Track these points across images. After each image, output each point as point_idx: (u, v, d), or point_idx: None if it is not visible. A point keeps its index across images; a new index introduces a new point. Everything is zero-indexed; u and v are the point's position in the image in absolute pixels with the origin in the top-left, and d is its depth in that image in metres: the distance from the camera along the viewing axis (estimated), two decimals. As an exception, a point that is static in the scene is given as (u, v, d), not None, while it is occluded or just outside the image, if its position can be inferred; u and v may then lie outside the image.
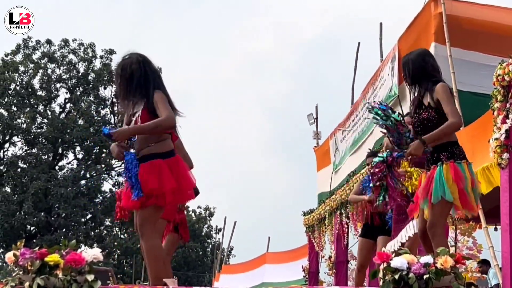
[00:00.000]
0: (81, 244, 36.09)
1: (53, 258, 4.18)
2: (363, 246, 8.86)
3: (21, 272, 4.21)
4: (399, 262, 4.49)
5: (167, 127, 5.33)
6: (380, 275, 4.58)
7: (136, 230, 5.48)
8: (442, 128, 5.60)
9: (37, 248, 4.27)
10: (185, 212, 8.49)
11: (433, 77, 5.82)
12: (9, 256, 4.26)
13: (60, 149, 37.86)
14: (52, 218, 34.77)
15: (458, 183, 5.53)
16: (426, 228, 5.66)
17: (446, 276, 4.51)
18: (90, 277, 4.19)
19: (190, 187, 5.52)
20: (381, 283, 4.56)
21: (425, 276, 4.46)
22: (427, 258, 4.54)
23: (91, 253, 4.29)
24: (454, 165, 5.59)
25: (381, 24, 14.96)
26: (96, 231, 37.66)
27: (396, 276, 4.45)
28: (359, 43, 16.66)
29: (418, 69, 5.88)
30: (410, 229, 7.68)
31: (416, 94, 5.94)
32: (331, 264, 13.81)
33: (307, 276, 16.41)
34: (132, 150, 5.43)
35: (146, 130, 5.32)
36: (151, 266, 5.35)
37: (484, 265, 12.09)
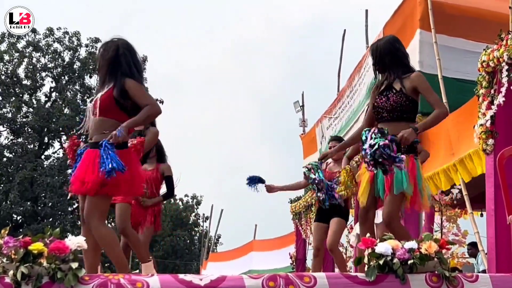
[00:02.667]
0: (68, 234, 36.01)
1: (37, 246, 4.16)
2: (316, 230, 8.97)
3: (4, 260, 4.19)
4: (383, 247, 4.52)
5: (156, 115, 5.38)
6: (365, 260, 4.60)
7: (82, 218, 5.44)
8: (433, 118, 5.65)
9: (21, 237, 4.25)
10: (167, 202, 8.54)
11: (403, 63, 5.88)
12: (-7, 244, 4.24)
13: (46, 138, 37.69)
14: (39, 208, 34.65)
15: (413, 178, 5.58)
16: (382, 217, 5.67)
17: (431, 261, 4.54)
18: (75, 265, 4.18)
19: (142, 178, 5.51)
20: (366, 268, 4.58)
21: (409, 262, 4.49)
22: (412, 244, 4.57)
23: (75, 241, 4.27)
24: (413, 159, 5.64)
25: (366, 11, 14.96)
26: (83, 220, 37.58)
27: (381, 262, 4.48)
28: (345, 30, 16.66)
29: (388, 55, 5.90)
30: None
31: (384, 79, 5.94)
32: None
33: (294, 264, 16.46)
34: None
35: (140, 121, 5.35)
36: (109, 254, 5.34)
37: (474, 247, 12.12)
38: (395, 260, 4.48)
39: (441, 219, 11.29)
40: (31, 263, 4.15)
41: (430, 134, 8.68)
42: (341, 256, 9.36)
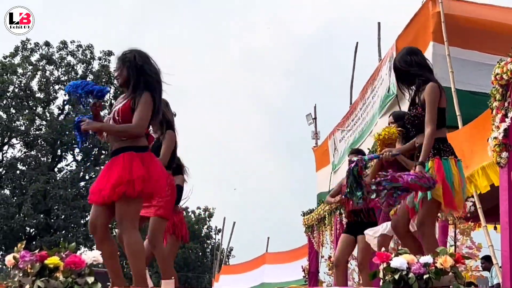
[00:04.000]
0: (81, 246, 36.08)
1: (53, 260, 4.18)
2: (341, 240, 8.96)
3: (21, 275, 4.21)
4: (398, 262, 4.50)
5: (133, 135, 5.40)
6: (380, 275, 4.59)
7: (93, 229, 5.46)
8: (427, 142, 5.57)
9: (37, 251, 4.27)
10: (184, 213, 8.51)
11: (419, 74, 5.83)
12: (9, 259, 4.26)
13: (59, 151, 37.83)
14: (52, 220, 34.73)
15: (442, 179, 5.50)
16: (416, 225, 5.66)
17: (446, 276, 4.51)
18: (90, 279, 4.19)
19: (161, 178, 5.47)
20: (381, 283, 4.57)
21: (425, 276, 4.47)
22: (427, 258, 4.55)
23: (91, 255, 4.29)
24: (439, 161, 5.59)
25: (379, 23, 14.98)
26: (96, 232, 37.59)
27: (396, 276, 4.46)
28: (357, 43, 16.68)
29: (402, 71, 5.91)
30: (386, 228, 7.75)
31: (412, 93, 5.98)
32: (330, 264, 13.79)
33: (306, 276, 16.41)
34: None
35: (113, 131, 5.48)
36: (130, 263, 5.35)
37: (487, 261, 12.07)
38: (411, 275, 4.45)
39: (455, 232, 11.25)
40: (47, 277, 4.16)
41: (443, 147, 8.65)
42: (345, 274, 9.29)
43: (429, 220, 5.63)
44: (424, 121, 5.66)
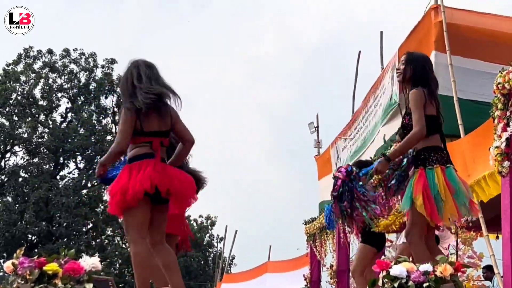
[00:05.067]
0: (83, 254, 36.01)
1: (51, 267, 4.17)
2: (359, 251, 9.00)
3: (20, 281, 4.20)
4: (398, 270, 4.49)
5: (116, 153, 5.47)
6: (380, 283, 4.58)
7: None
8: (404, 140, 5.59)
9: (36, 257, 4.26)
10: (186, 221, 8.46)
11: (423, 85, 5.82)
12: (8, 265, 4.24)
13: (61, 159, 37.86)
14: (54, 228, 34.73)
15: (422, 190, 5.49)
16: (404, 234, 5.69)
17: (446, 284, 4.50)
18: (89, 286, 4.18)
19: (140, 181, 5.34)
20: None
21: (424, 284, 4.46)
22: (427, 266, 4.54)
23: (90, 262, 4.28)
24: (423, 172, 5.58)
25: (381, 32, 14.95)
26: (98, 240, 37.60)
27: (396, 284, 4.45)
28: (359, 52, 16.65)
29: (422, 76, 5.88)
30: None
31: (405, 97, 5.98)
32: (332, 273, 13.76)
33: (308, 285, 16.36)
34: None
35: (107, 159, 5.54)
36: (134, 273, 5.35)
37: (489, 271, 12.04)
38: (410, 283, 4.44)
39: (456, 241, 11.22)
40: (46, 284, 4.15)
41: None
42: (361, 284, 9.29)
43: (415, 229, 5.61)
44: (411, 129, 5.67)
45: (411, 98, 5.71)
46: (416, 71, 5.90)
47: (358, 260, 8.76)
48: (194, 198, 5.80)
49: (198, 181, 8.32)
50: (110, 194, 5.31)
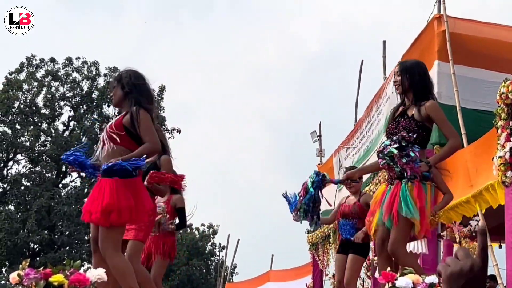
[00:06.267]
0: (85, 262, 36.01)
1: (57, 278, 4.17)
2: (337, 262, 9.05)
3: (25, 293, 4.20)
4: (404, 282, 4.48)
5: (153, 153, 5.64)
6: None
7: (93, 247, 5.52)
8: (447, 149, 5.64)
9: (41, 268, 4.26)
10: (183, 231, 8.51)
11: (422, 90, 5.84)
12: (14, 276, 4.25)
13: (63, 167, 37.84)
14: (56, 236, 34.69)
15: (421, 203, 5.53)
16: (388, 244, 5.63)
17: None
18: (95, 297, 4.19)
19: (147, 206, 5.49)
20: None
21: (430, 296, 4.46)
22: (432, 278, 4.53)
23: (96, 273, 4.28)
24: (419, 184, 5.59)
25: (384, 41, 14.98)
26: (100, 249, 37.52)
27: (401, 296, 4.44)
28: (362, 61, 16.68)
29: (411, 78, 5.86)
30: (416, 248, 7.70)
31: (400, 104, 5.96)
32: (335, 283, 13.75)
33: (311, 294, 16.37)
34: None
35: (136, 156, 5.45)
36: (121, 284, 5.35)
37: (492, 281, 11.99)
38: (416, 295, 4.45)
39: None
40: (52, 295, 4.16)
41: (448, 165, 8.64)
42: None
43: (402, 239, 5.61)
44: (413, 136, 5.66)
45: (435, 110, 5.72)
46: (414, 79, 5.90)
47: (352, 271, 8.81)
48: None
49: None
50: (110, 208, 5.24)
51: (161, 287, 7.57)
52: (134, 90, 5.56)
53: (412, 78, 5.89)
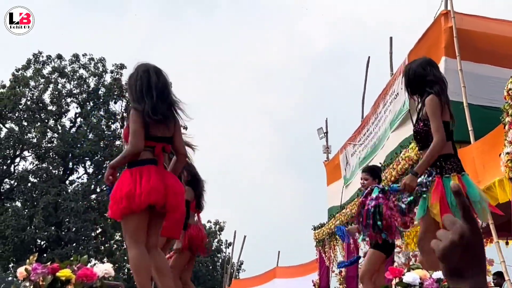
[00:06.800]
0: (91, 259, 36.07)
1: (64, 273, 4.18)
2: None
3: (32, 287, 4.21)
4: (411, 277, 4.47)
5: (133, 154, 5.42)
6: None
7: None
8: (428, 152, 5.53)
9: (48, 263, 4.27)
10: (200, 227, 8.51)
11: (430, 88, 5.77)
12: (21, 271, 4.25)
13: (70, 164, 37.90)
14: (63, 233, 34.74)
15: (439, 198, 5.48)
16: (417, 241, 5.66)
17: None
18: (102, 292, 4.19)
19: (151, 191, 5.39)
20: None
21: (437, 292, 4.44)
22: (440, 274, 4.51)
23: (103, 268, 4.29)
24: (440, 180, 5.55)
25: (391, 38, 14.97)
26: (106, 245, 37.59)
27: (409, 292, 4.43)
28: (369, 57, 16.67)
29: (416, 80, 5.85)
30: None
31: (416, 106, 5.96)
32: (341, 279, 13.75)
33: (317, 291, 16.36)
34: None
35: (121, 160, 5.53)
36: (134, 278, 5.37)
37: (499, 277, 11.98)
38: (423, 290, 4.43)
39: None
40: (59, 290, 4.16)
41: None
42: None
43: (428, 235, 5.59)
44: (426, 136, 5.66)
45: (428, 105, 5.64)
46: (410, 80, 5.91)
47: (368, 265, 8.78)
48: (182, 211, 5.95)
49: (198, 183, 8.37)
50: (114, 199, 5.31)
51: (178, 279, 7.54)
52: (129, 90, 5.64)
53: (410, 79, 5.90)
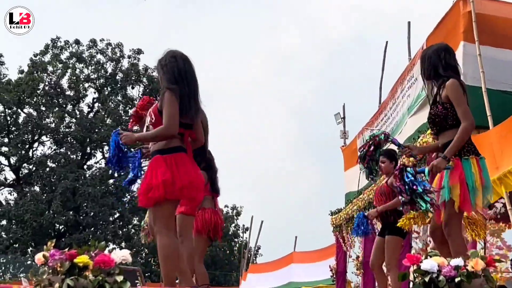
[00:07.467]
0: (109, 243, 36.29)
1: (82, 259, 4.18)
2: (374, 243, 9.13)
3: (50, 273, 4.22)
4: (429, 264, 4.44)
5: (165, 137, 5.41)
6: (411, 277, 4.54)
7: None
8: (457, 136, 5.54)
9: (66, 249, 4.28)
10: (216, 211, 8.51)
11: (446, 73, 5.79)
12: (39, 257, 4.27)
13: (88, 149, 38.10)
14: (81, 217, 34.97)
15: (459, 180, 5.50)
16: (442, 226, 5.63)
17: (477, 279, 4.45)
18: (119, 278, 4.19)
19: (187, 183, 5.42)
20: (411, 285, 4.52)
21: (456, 279, 4.41)
22: (458, 261, 4.49)
23: (120, 254, 4.29)
24: (459, 162, 5.56)
25: (409, 23, 14.86)
26: (124, 230, 37.81)
27: (426, 279, 4.40)
28: (387, 42, 16.56)
29: (433, 65, 5.87)
30: None
31: (431, 89, 5.96)
32: (359, 264, 13.73)
33: (334, 276, 16.34)
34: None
35: (148, 138, 5.55)
36: (161, 264, 5.43)
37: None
38: (441, 278, 4.39)
39: (485, 233, 11.15)
40: (77, 276, 4.17)
41: (473, 147, 8.59)
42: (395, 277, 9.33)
43: (454, 221, 5.59)
44: (445, 119, 5.68)
45: (451, 89, 5.67)
46: (425, 65, 5.93)
47: (391, 253, 8.78)
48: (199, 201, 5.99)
49: (211, 167, 8.37)
50: (148, 186, 5.30)
51: (193, 265, 7.56)
52: (166, 71, 5.57)
53: (428, 65, 5.92)
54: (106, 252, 4.34)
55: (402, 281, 4.96)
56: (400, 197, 5.66)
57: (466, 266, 4.47)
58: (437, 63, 5.85)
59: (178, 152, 5.44)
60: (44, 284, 4.19)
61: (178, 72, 5.52)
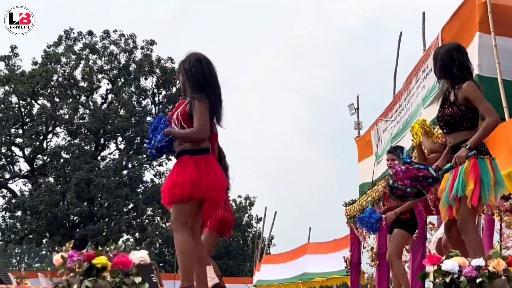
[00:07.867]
0: (123, 234, 36.41)
1: (100, 260, 4.19)
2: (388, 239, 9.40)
3: (69, 274, 4.23)
4: (450, 265, 4.42)
5: (196, 140, 5.53)
6: (431, 277, 4.52)
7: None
8: (483, 129, 5.62)
9: (84, 250, 4.29)
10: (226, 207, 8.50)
11: (460, 74, 5.83)
12: (57, 258, 4.28)
13: (102, 140, 38.18)
14: (95, 208, 35.07)
15: (476, 177, 5.55)
16: (457, 224, 5.65)
17: (498, 279, 4.42)
18: (138, 280, 4.20)
19: (217, 182, 5.55)
20: (431, 286, 4.50)
21: (477, 280, 4.38)
22: (479, 261, 4.46)
23: (139, 255, 4.30)
24: (475, 160, 5.59)
25: (423, 13, 14.79)
26: (138, 220, 37.90)
27: (447, 279, 4.38)
28: (401, 33, 16.50)
29: (447, 65, 5.90)
30: None
31: (444, 89, 5.99)
32: (373, 255, 13.71)
33: (348, 267, 16.33)
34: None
35: (179, 136, 5.58)
36: (178, 260, 5.51)
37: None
38: (462, 278, 4.37)
39: (500, 225, 11.09)
40: (95, 277, 4.18)
41: (490, 139, 8.50)
42: (399, 268, 9.33)
43: (471, 216, 5.62)
44: (460, 121, 5.74)
45: (469, 91, 5.72)
46: (441, 67, 5.94)
47: (395, 245, 8.88)
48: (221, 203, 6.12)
49: (220, 161, 8.38)
50: (174, 183, 5.41)
51: (209, 259, 7.62)
52: (191, 78, 5.63)
53: (441, 65, 5.97)
54: (120, 242, 4.34)
55: (422, 280, 4.95)
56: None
57: (487, 267, 4.45)
58: (450, 63, 5.89)
59: (206, 153, 5.58)
60: (63, 285, 4.20)
61: (204, 78, 5.63)
